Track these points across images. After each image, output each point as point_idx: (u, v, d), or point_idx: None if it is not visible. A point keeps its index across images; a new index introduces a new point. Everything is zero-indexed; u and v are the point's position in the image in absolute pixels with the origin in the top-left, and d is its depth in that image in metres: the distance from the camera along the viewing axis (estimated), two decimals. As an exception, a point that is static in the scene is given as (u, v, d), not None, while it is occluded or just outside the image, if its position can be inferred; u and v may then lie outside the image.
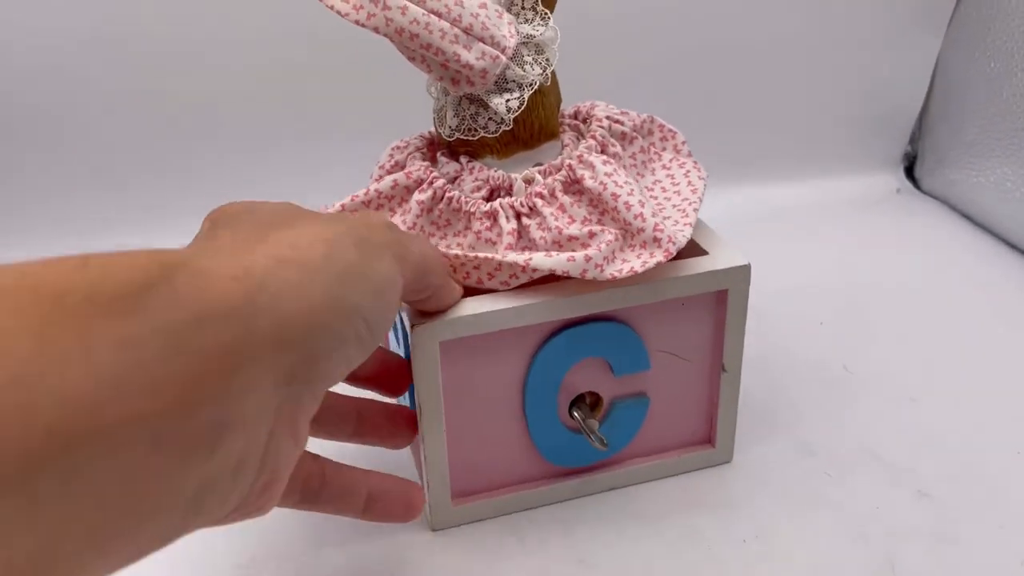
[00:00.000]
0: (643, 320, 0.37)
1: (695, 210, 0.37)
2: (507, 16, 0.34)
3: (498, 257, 0.34)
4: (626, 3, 0.66)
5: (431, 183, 0.36)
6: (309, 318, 0.22)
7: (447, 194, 0.35)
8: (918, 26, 0.71)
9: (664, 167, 0.40)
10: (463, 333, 0.34)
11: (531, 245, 0.35)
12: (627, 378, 0.38)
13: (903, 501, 0.41)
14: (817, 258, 0.63)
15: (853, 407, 0.47)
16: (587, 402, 0.38)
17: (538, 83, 0.34)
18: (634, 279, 0.35)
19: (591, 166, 0.35)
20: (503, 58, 0.33)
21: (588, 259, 0.33)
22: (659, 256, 0.34)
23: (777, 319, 0.55)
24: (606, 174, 0.35)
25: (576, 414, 0.38)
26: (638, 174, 0.39)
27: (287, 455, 0.23)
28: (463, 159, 0.37)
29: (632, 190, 0.35)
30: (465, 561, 0.37)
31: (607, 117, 0.38)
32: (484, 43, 0.33)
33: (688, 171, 0.40)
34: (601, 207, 0.35)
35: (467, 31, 0.32)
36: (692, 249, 0.38)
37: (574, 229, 0.34)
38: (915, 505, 0.40)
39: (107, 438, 0.16)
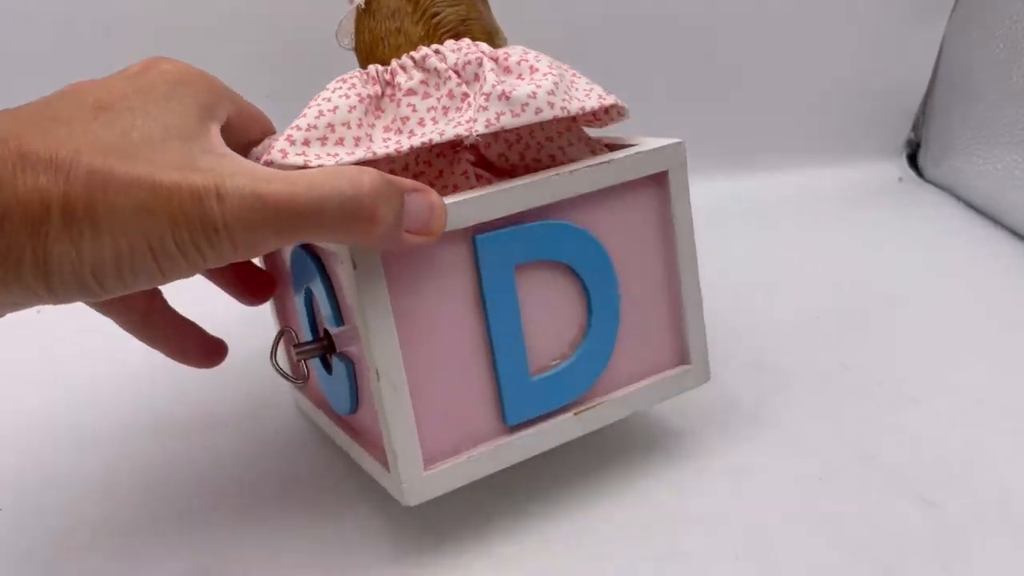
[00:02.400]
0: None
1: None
2: None
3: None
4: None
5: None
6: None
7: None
8: (921, 8, 0.68)
9: None
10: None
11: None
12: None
13: (905, 510, 0.38)
14: (814, 251, 0.60)
15: (851, 408, 0.44)
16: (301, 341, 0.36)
17: (357, 3, 0.35)
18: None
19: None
20: None
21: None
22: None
23: (771, 314, 0.53)
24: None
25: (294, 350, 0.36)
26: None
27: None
28: None
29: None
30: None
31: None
32: None
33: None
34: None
35: None
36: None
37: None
38: (918, 514, 0.37)
39: None
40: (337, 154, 0.31)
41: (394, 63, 0.34)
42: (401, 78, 0.33)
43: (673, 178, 0.36)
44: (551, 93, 0.31)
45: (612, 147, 0.37)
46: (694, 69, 0.67)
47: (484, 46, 0.34)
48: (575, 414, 0.36)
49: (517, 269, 0.33)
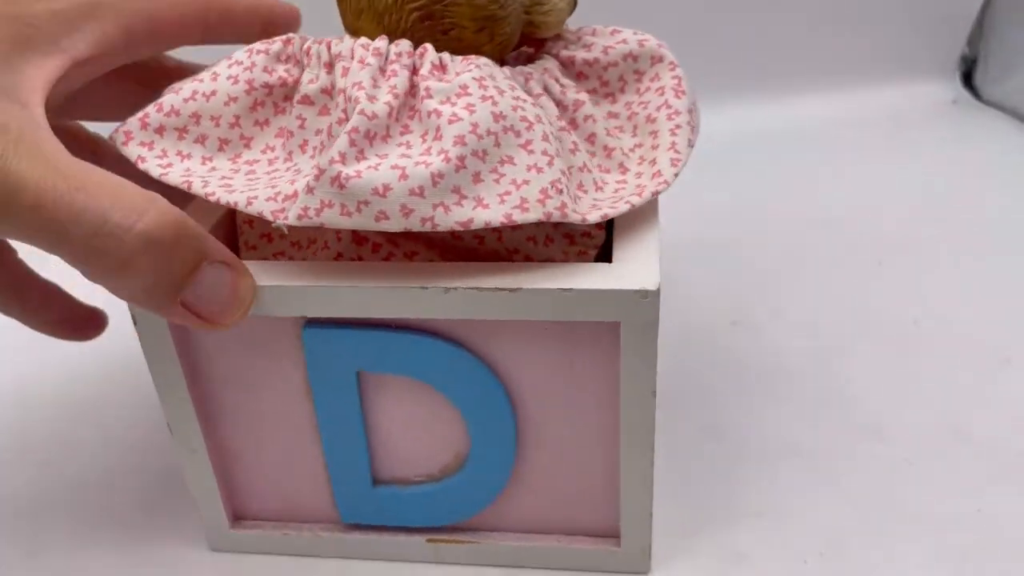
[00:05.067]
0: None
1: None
2: None
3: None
4: None
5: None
6: None
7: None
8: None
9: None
10: None
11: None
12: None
13: (1009, 501, 0.30)
14: (859, 186, 0.53)
15: (932, 373, 0.36)
16: None
17: None
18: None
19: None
20: None
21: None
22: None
23: (819, 258, 0.45)
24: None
25: None
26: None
27: None
28: None
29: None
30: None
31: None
32: None
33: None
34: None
35: None
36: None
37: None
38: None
39: None
40: (190, 154, 0.24)
41: (336, 45, 0.24)
42: (309, 72, 0.24)
43: (629, 336, 0.23)
44: (417, 192, 0.21)
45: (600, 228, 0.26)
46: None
47: (431, 53, 0.23)
48: (428, 540, 0.29)
49: (363, 374, 0.25)
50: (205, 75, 0.25)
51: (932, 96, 0.63)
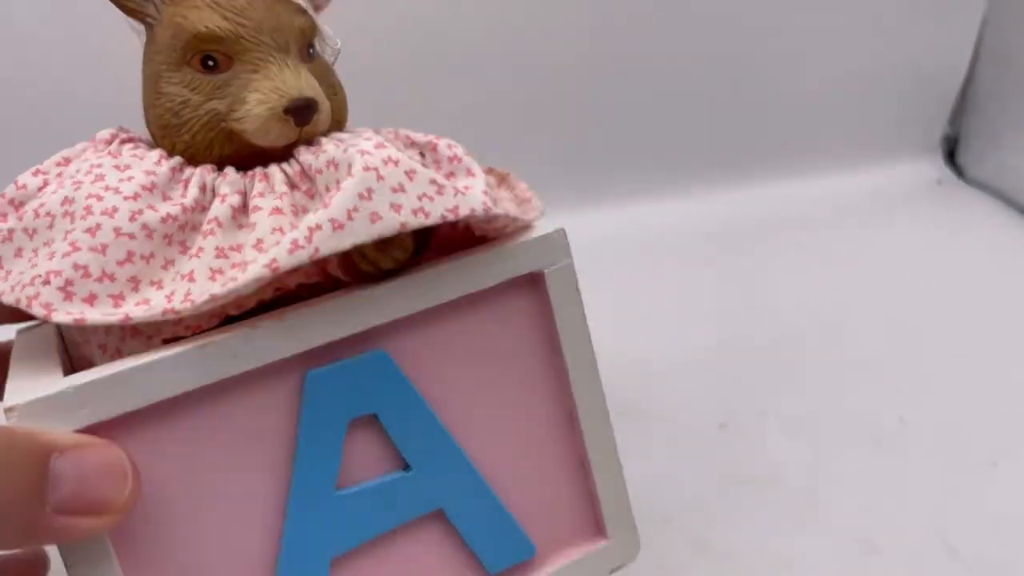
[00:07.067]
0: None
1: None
2: None
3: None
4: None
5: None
6: None
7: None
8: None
9: None
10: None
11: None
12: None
13: None
14: (846, 277, 0.52)
15: (920, 478, 0.36)
16: None
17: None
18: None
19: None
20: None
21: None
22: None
23: (804, 357, 0.45)
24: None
25: None
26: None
27: None
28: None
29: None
30: None
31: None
32: None
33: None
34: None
35: None
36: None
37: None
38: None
39: None
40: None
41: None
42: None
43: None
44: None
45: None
46: (690, 52, 0.58)
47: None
48: None
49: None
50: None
51: (917, 176, 0.64)
